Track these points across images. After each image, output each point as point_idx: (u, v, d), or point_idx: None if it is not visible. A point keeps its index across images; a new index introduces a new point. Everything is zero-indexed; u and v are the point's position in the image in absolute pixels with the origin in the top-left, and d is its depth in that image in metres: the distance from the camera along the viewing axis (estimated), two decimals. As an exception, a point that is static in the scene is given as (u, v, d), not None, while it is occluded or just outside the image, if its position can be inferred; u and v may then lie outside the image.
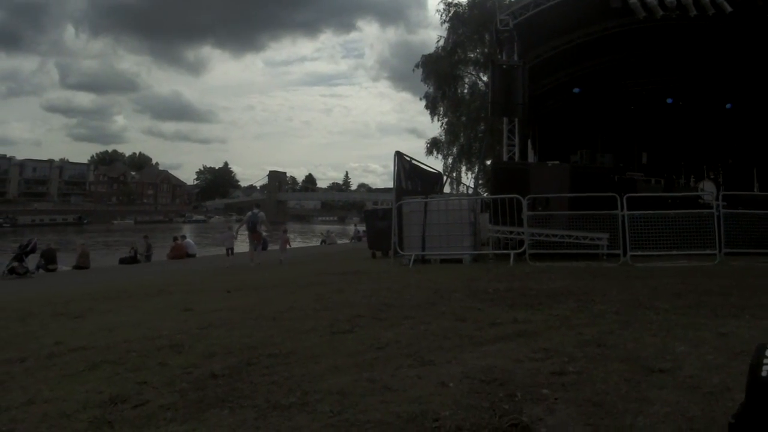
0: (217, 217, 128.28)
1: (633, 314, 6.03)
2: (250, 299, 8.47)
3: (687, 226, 12.05)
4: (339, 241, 42.63)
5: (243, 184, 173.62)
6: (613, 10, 15.33)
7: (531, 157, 19.17)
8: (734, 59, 19.74)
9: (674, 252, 11.94)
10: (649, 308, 6.35)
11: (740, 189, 20.20)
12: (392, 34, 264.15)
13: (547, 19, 15.99)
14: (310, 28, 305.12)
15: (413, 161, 16.16)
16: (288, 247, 21.88)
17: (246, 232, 18.52)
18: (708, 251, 11.90)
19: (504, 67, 15.83)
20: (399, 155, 14.53)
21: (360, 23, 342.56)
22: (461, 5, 38.25)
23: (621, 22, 16.93)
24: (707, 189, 19.48)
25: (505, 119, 16.49)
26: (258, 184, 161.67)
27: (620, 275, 9.76)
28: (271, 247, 23.87)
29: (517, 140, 16.18)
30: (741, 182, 23.25)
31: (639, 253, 12.00)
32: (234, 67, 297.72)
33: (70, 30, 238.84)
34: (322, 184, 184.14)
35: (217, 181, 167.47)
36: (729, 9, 14.50)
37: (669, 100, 23.10)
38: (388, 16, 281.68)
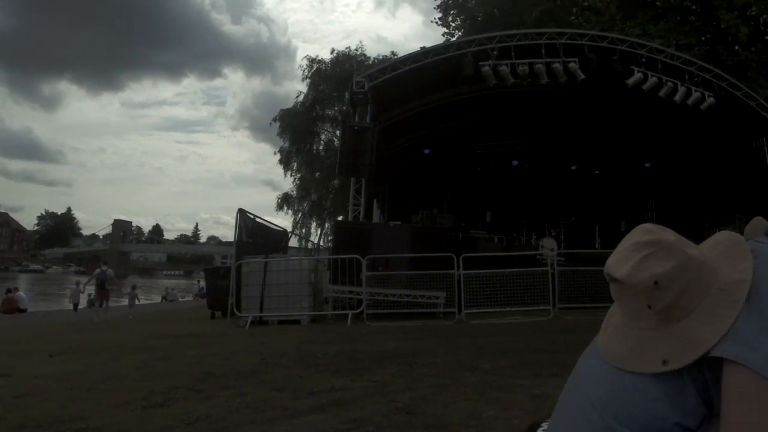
0: (54, 267, 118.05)
1: (452, 377, 6.14)
2: (74, 365, 7.99)
3: (523, 283, 12.48)
4: (182, 298, 41.11)
5: (85, 232, 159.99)
6: (466, 77, 16.05)
7: (377, 217, 19.55)
8: (581, 122, 21.27)
9: (508, 308, 12.26)
10: (470, 369, 6.49)
11: (582, 246, 21.66)
12: (257, 83, 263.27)
13: (403, 83, 16.51)
14: (173, 71, 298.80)
15: (257, 219, 16.06)
16: (137, 302, 22.61)
17: (93, 288, 19.06)
18: (542, 307, 12.28)
19: (355, 128, 16.12)
20: (241, 212, 14.44)
21: (226, 70, 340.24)
22: (324, 62, 39.35)
23: (473, 88, 17.69)
24: (547, 246, 20.52)
25: (353, 179, 16.75)
26: (101, 233, 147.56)
27: (452, 334, 10.04)
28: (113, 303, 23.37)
29: (362, 200, 16.46)
30: (583, 239, 24.92)
31: (474, 310, 12.35)
32: (89, 106, 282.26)
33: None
34: (170, 235, 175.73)
35: (59, 228, 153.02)
36: (582, 76, 15.31)
37: (515, 162, 24.14)
38: (256, 65, 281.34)
